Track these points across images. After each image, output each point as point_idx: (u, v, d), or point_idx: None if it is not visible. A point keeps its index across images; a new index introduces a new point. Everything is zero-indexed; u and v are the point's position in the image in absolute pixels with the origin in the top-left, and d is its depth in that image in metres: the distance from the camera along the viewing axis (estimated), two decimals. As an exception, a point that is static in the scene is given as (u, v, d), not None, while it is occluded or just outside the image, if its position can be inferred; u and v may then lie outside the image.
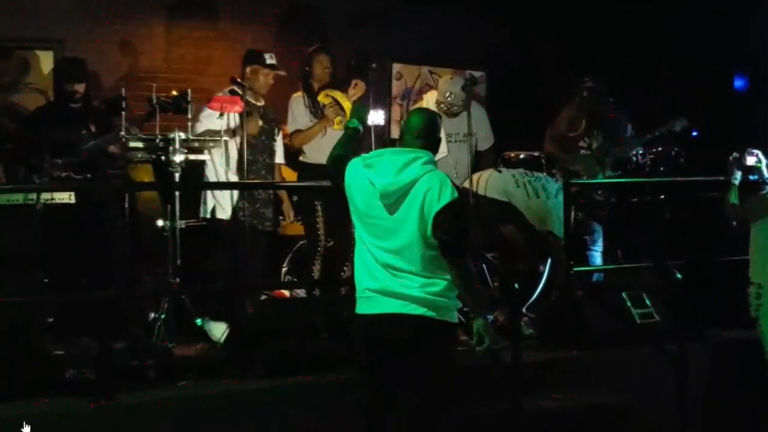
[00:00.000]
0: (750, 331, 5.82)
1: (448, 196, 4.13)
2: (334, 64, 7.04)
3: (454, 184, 4.30)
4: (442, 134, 6.94)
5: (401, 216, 4.17)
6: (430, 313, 4.17)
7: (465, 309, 4.48)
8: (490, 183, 6.97)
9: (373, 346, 4.31)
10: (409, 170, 4.16)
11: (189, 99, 6.39)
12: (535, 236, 6.84)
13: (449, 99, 7.17)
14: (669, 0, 8.82)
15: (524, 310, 6.68)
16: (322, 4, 8.88)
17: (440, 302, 4.19)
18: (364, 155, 4.38)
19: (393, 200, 4.17)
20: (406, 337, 4.17)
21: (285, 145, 7.80)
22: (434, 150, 4.35)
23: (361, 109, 4.88)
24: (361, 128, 4.64)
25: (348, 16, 8.99)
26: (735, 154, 5.89)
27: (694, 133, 8.17)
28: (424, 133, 4.32)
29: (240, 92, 6.55)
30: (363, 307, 4.31)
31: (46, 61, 7.79)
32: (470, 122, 6.97)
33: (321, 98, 6.91)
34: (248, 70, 6.72)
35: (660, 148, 7.48)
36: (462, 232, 4.19)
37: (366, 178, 4.24)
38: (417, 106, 7.43)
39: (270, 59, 6.73)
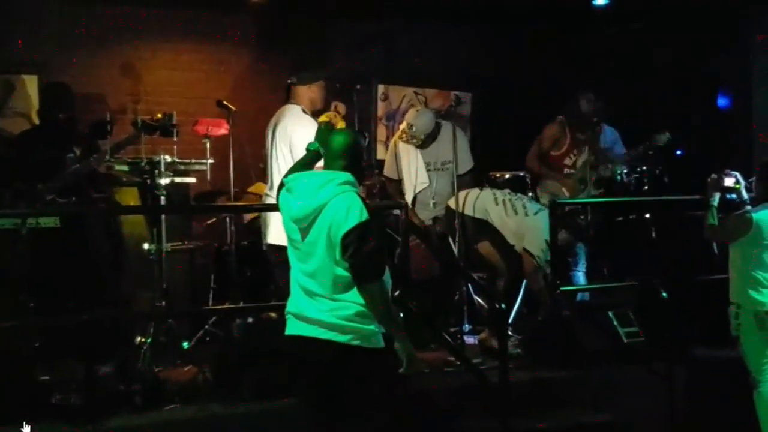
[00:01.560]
0: (734, 349, 5.84)
1: (355, 217, 4.03)
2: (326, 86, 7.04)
3: (367, 204, 4.18)
4: (421, 164, 7.14)
5: (313, 239, 4.11)
6: (340, 338, 4.08)
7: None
8: (469, 201, 7.01)
9: (295, 369, 4.29)
10: (321, 193, 4.10)
11: (174, 122, 6.39)
12: (512, 254, 6.86)
13: (411, 131, 7.26)
14: (652, 22, 8.87)
15: (509, 329, 6.68)
16: (308, 28, 8.90)
17: (351, 327, 4.09)
18: (286, 178, 4.34)
19: (307, 223, 4.12)
20: (319, 362, 4.13)
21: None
22: (357, 171, 4.27)
23: (324, 132, 4.83)
24: (322, 151, 4.48)
25: (334, 39, 9.02)
26: (713, 176, 5.93)
27: (678, 152, 8.21)
28: (345, 154, 4.24)
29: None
30: (286, 329, 4.26)
31: (31, 85, 7.80)
32: (455, 146, 7.06)
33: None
34: (314, 87, 6.45)
35: (644, 168, 7.50)
36: (369, 255, 4.04)
37: (288, 201, 4.22)
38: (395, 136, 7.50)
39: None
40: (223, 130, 7.02)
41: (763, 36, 8.63)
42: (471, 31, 9.45)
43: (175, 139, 6.51)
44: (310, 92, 6.38)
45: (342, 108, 6.67)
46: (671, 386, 6.03)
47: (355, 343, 4.10)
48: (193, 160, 6.56)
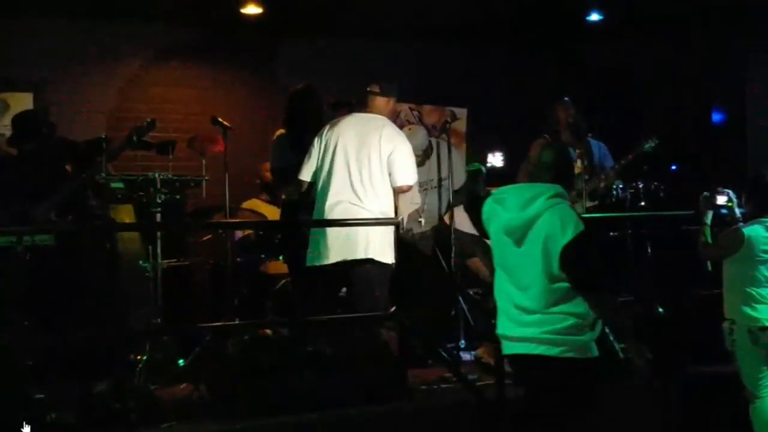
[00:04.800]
0: (729, 364, 5.84)
1: (572, 229, 4.09)
2: (320, 103, 7.03)
3: (579, 216, 4.26)
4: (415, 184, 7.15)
5: (526, 251, 4.17)
6: (551, 352, 4.15)
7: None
8: (461, 217, 7.01)
9: (526, 389, 4.43)
10: (533, 205, 4.17)
11: (155, 127, 6.32)
12: None
13: None
14: (645, 37, 8.91)
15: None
16: (302, 43, 8.92)
17: (565, 339, 4.15)
18: (495, 193, 4.43)
19: (518, 236, 4.18)
20: (535, 377, 4.23)
21: (265, 182, 7.84)
22: (567, 183, 4.36)
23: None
24: (482, 168, 4.73)
25: (329, 56, 9.04)
26: (705, 194, 5.93)
27: (673, 168, 8.23)
28: (555, 167, 4.33)
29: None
30: (505, 350, 4.38)
31: (26, 103, 7.80)
32: (450, 162, 7.06)
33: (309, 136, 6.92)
34: (392, 101, 6.39)
35: (640, 183, 7.52)
36: (594, 264, 4.14)
37: (497, 215, 4.30)
38: None
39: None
40: (218, 146, 7.02)
41: (755, 52, 8.69)
42: (466, 47, 9.48)
43: (170, 156, 6.51)
44: (389, 105, 6.35)
45: None
46: (667, 401, 6.02)
47: (569, 354, 4.16)
48: (189, 177, 6.55)
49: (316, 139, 6.18)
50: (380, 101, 6.30)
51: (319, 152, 6.14)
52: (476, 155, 5.06)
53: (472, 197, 4.81)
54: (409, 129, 7.42)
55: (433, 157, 7.25)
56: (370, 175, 6.00)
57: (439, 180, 7.12)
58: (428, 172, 7.26)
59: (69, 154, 6.47)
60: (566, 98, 7.58)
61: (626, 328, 4.27)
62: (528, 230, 4.15)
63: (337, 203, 5.99)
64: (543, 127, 7.67)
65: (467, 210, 5.07)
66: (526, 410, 4.38)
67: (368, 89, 6.28)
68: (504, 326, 4.34)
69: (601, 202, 7.52)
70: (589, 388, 4.26)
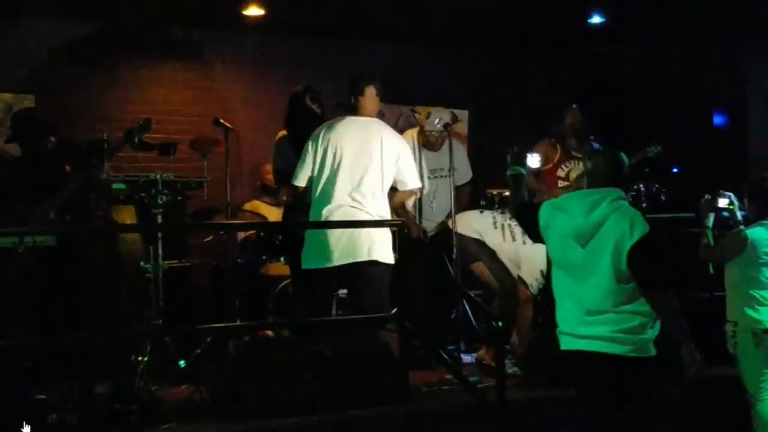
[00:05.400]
0: (731, 368, 5.83)
1: (640, 229, 4.28)
2: (321, 104, 7.03)
3: (644, 217, 4.41)
4: (425, 171, 7.15)
5: (593, 254, 4.33)
6: (617, 350, 4.29)
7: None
8: (466, 221, 7.02)
9: (579, 385, 4.53)
10: (599, 209, 4.34)
11: (152, 127, 6.31)
12: (508, 277, 6.89)
13: (428, 120, 7.27)
14: (647, 40, 8.90)
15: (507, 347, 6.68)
16: (303, 45, 8.92)
17: (630, 338, 4.30)
18: (552, 200, 4.63)
19: (585, 240, 4.34)
20: (600, 375, 4.34)
21: (266, 183, 7.85)
22: (622, 187, 4.53)
23: (518, 156, 5.06)
24: (523, 171, 4.94)
25: (330, 57, 9.04)
26: (707, 197, 5.94)
27: (675, 170, 8.22)
28: (614, 172, 4.51)
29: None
30: (561, 345, 4.52)
31: (27, 104, 7.79)
32: (452, 157, 7.09)
33: None
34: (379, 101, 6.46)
35: (641, 186, 7.52)
36: (659, 266, 4.29)
37: (559, 221, 4.46)
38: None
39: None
40: (220, 148, 7.02)
41: (757, 54, 8.69)
42: (467, 49, 9.47)
43: (171, 157, 6.51)
44: (378, 106, 6.44)
45: None
46: (668, 404, 6.00)
47: (633, 354, 4.30)
48: (190, 178, 6.54)
49: (309, 143, 6.18)
50: (375, 102, 6.35)
51: (315, 156, 6.15)
52: (517, 157, 5.15)
53: (519, 203, 4.94)
54: (429, 111, 7.42)
55: (443, 147, 7.28)
56: (370, 179, 6.05)
57: (450, 169, 7.14)
58: (438, 161, 7.31)
59: (70, 154, 6.46)
60: (574, 105, 7.61)
61: (684, 330, 4.32)
62: (596, 233, 4.34)
63: (338, 207, 6.02)
64: (549, 130, 7.69)
65: (516, 217, 5.19)
66: (580, 407, 4.52)
67: (364, 88, 6.29)
68: (568, 324, 4.48)
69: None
70: (647, 387, 4.40)
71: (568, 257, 4.44)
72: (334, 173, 6.07)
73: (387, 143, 6.13)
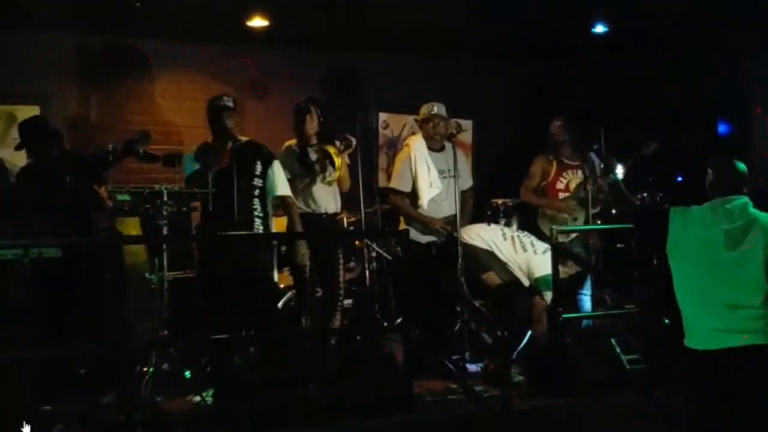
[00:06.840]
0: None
1: None
2: (324, 115, 7.06)
3: None
4: (434, 170, 7.23)
5: (744, 254, 4.62)
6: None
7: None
8: (475, 232, 7.06)
9: (712, 383, 4.66)
10: (746, 213, 4.71)
11: (150, 140, 6.35)
12: (520, 287, 6.90)
13: (432, 112, 7.46)
14: (651, 50, 8.91)
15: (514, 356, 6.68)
16: (308, 55, 8.94)
17: None
18: (685, 208, 4.86)
19: (734, 240, 4.63)
20: (753, 367, 4.54)
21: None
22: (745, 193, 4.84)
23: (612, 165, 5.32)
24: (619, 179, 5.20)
25: (334, 67, 9.06)
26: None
27: (679, 179, 8.22)
28: (744, 180, 4.90)
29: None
30: (704, 344, 4.68)
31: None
32: (456, 159, 7.23)
33: (314, 152, 6.95)
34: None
35: (645, 194, 7.52)
36: None
37: (695, 230, 4.73)
38: (406, 149, 7.55)
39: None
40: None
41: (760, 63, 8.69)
42: (471, 59, 9.49)
43: (176, 168, 6.52)
44: None
45: (350, 141, 6.80)
46: (672, 413, 5.99)
47: None
48: (195, 190, 6.55)
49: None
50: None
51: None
52: (612, 165, 5.26)
53: (634, 209, 5.12)
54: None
55: (447, 150, 7.46)
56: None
57: (455, 170, 7.25)
58: (446, 161, 7.39)
59: (75, 165, 6.49)
60: (560, 117, 7.67)
61: None
62: (746, 235, 4.64)
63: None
64: (546, 143, 7.74)
65: (636, 224, 5.33)
66: (725, 405, 4.62)
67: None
68: (711, 322, 4.65)
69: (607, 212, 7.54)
70: None
71: (715, 261, 4.66)
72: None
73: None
